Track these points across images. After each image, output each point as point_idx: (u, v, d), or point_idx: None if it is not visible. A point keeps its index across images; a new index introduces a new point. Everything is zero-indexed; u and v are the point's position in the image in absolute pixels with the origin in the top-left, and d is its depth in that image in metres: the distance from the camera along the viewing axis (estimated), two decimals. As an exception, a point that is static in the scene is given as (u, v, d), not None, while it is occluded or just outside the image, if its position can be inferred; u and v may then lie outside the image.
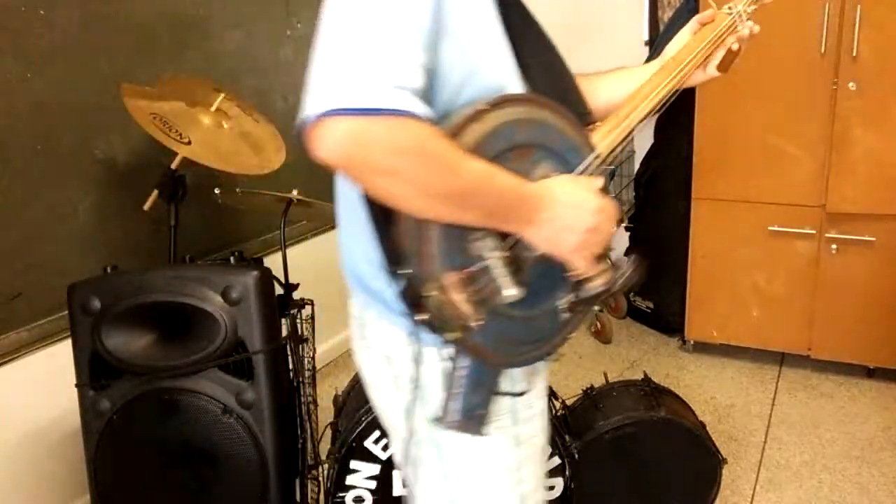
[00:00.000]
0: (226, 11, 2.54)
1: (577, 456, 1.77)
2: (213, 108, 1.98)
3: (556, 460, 1.77)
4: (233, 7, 2.57)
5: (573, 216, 0.90)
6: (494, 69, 0.93)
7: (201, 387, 1.65)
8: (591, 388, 1.98)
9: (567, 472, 1.78)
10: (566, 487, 1.79)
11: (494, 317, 0.89)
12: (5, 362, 1.95)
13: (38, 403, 2.02)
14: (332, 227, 3.22)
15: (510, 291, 0.87)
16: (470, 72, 0.89)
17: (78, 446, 1.71)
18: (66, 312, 1.66)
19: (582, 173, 0.96)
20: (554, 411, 1.90)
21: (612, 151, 1.04)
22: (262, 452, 1.67)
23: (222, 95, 2.00)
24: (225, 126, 2.00)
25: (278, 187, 1.98)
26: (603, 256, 0.96)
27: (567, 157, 0.95)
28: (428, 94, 0.84)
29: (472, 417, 0.95)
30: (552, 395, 1.96)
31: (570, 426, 1.85)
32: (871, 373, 2.83)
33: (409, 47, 0.80)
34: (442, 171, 0.81)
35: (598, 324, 3.39)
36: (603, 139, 1.03)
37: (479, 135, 0.86)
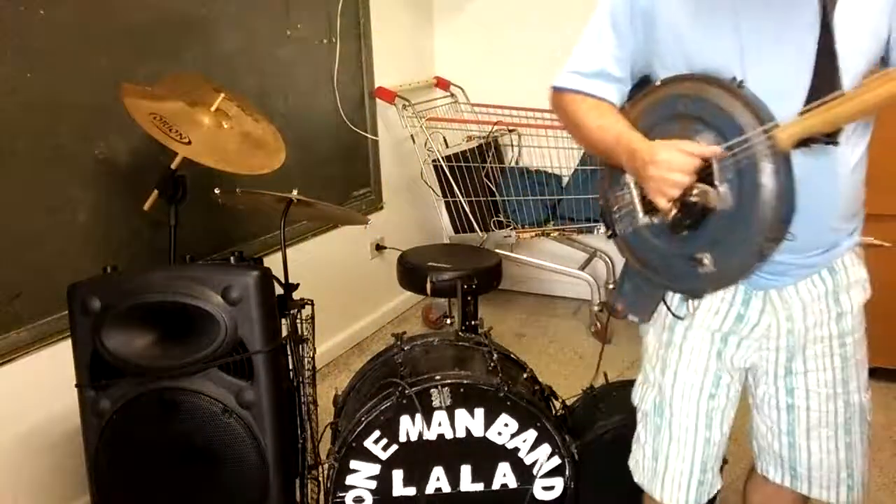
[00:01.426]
0: (226, 11, 2.55)
1: (577, 456, 1.77)
2: (213, 108, 1.98)
3: (556, 460, 1.77)
4: (233, 7, 2.57)
5: (643, 166, 1.19)
6: (711, 55, 1.18)
7: (201, 387, 1.65)
8: (591, 388, 1.98)
9: (567, 472, 1.78)
10: (566, 487, 1.79)
11: (637, 232, 1.29)
12: (5, 362, 1.95)
13: (38, 403, 2.02)
14: (333, 227, 3.22)
15: (638, 215, 1.27)
16: (685, 57, 1.21)
17: (78, 446, 1.71)
18: (66, 312, 1.66)
19: (732, 147, 1.11)
20: (554, 411, 1.90)
21: (838, 132, 1.18)
22: (262, 452, 1.67)
23: (222, 95, 2.00)
24: (225, 126, 2.00)
25: (278, 187, 1.98)
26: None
27: (725, 132, 1.12)
28: (632, 71, 1.32)
29: (630, 308, 1.40)
30: (552, 394, 1.96)
31: (570, 426, 1.85)
32: (871, 373, 2.83)
33: (598, 44, 1.31)
34: (579, 127, 1.34)
35: (598, 324, 3.38)
36: (804, 121, 1.09)
37: (648, 103, 1.26)
